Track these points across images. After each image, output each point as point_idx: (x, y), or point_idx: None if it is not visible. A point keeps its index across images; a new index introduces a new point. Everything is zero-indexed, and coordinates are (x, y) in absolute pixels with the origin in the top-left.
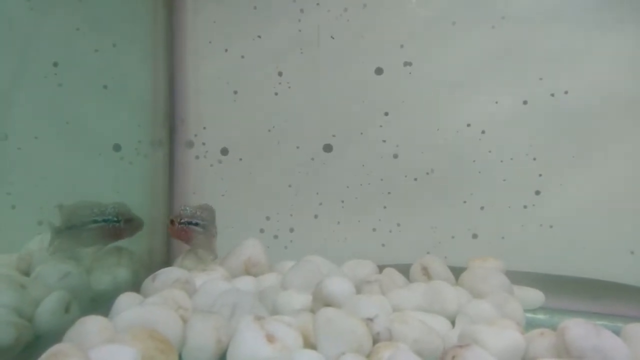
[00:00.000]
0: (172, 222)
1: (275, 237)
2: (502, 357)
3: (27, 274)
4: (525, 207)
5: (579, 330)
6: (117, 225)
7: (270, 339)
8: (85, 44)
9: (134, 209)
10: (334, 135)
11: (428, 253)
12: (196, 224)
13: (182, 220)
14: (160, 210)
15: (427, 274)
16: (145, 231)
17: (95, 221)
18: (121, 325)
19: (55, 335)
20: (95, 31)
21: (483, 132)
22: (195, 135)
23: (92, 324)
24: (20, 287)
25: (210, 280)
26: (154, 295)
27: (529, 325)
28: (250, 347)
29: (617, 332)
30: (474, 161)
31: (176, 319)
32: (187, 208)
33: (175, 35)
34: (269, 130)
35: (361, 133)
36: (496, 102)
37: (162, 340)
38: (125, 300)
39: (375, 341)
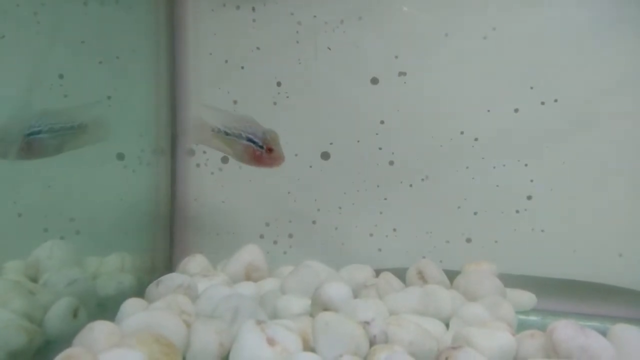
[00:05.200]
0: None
1: (275, 242)
2: (493, 358)
3: (35, 280)
4: (517, 211)
5: (567, 331)
6: None
7: (271, 342)
8: (90, 56)
9: (136, 216)
10: (331, 143)
11: (423, 257)
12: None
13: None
14: (162, 218)
15: (422, 277)
16: (149, 237)
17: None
18: (127, 330)
19: (64, 340)
20: (99, 44)
21: (476, 139)
22: (197, 144)
23: (100, 329)
24: (30, 294)
25: (212, 286)
26: (158, 300)
27: (522, 327)
28: (252, 350)
29: (606, 333)
30: (468, 167)
31: (180, 324)
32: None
33: (177, 47)
34: None
35: (358, 141)
36: (488, 111)
37: (167, 344)
38: (131, 306)
39: (371, 344)
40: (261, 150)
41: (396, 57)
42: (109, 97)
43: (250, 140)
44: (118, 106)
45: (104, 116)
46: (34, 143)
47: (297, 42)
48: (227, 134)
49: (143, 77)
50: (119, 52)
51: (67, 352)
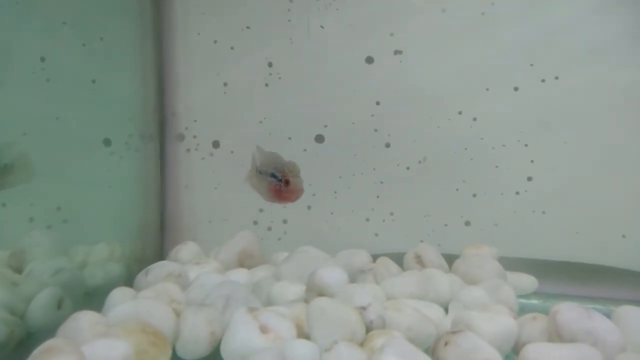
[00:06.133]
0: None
1: (269, 229)
2: (495, 342)
3: (19, 271)
4: (517, 193)
5: (570, 313)
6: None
7: (264, 329)
8: (72, 38)
9: (125, 204)
10: (325, 126)
11: (421, 241)
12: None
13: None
14: (152, 205)
15: (420, 262)
16: (138, 225)
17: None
18: (114, 319)
19: (48, 332)
20: (82, 25)
21: (474, 119)
22: (186, 129)
23: (85, 319)
24: (12, 285)
25: (204, 273)
26: (147, 289)
27: (523, 311)
28: (244, 338)
29: (609, 315)
30: (466, 149)
31: (169, 313)
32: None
33: (164, 27)
34: (260, 122)
35: (353, 123)
36: (487, 89)
37: (155, 334)
38: (118, 295)
39: (368, 329)
40: (280, 184)
41: (392, 35)
42: (93, 81)
43: (273, 175)
44: (103, 90)
45: (29, 155)
46: None
47: (289, 20)
48: (260, 172)
49: (129, 59)
50: (103, 34)
51: (48, 343)
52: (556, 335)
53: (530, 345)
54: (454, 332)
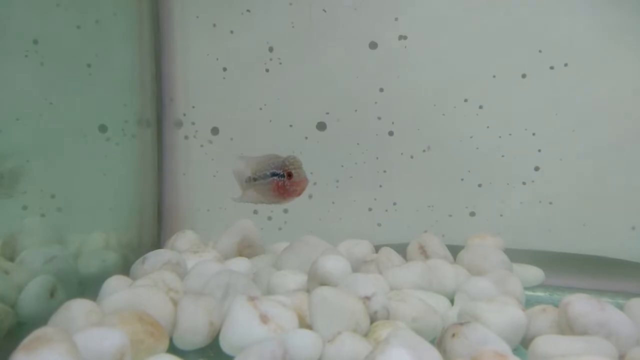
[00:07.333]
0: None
1: (269, 218)
2: (503, 334)
3: (12, 259)
4: (524, 183)
5: (583, 305)
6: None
7: (264, 319)
8: (66, 21)
9: (121, 192)
10: (327, 113)
11: (425, 232)
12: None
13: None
14: (149, 193)
15: (424, 252)
16: (135, 214)
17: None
18: (109, 308)
19: (40, 321)
20: (76, 7)
21: (481, 107)
22: (184, 115)
23: (78, 307)
24: (3, 273)
25: (202, 262)
26: (143, 277)
27: (529, 303)
28: (244, 328)
29: (619, 308)
30: (472, 137)
31: (166, 302)
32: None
33: (161, 9)
34: (261, 109)
35: (355, 110)
36: (494, 76)
37: (152, 323)
38: (114, 283)
39: (372, 320)
40: (283, 180)
41: (396, 19)
42: (88, 65)
43: (273, 174)
44: (99, 74)
45: (22, 167)
46: None
47: (290, 4)
48: (254, 179)
49: (125, 42)
50: (98, 16)
51: (37, 332)
52: (567, 327)
53: (540, 338)
54: (461, 324)
